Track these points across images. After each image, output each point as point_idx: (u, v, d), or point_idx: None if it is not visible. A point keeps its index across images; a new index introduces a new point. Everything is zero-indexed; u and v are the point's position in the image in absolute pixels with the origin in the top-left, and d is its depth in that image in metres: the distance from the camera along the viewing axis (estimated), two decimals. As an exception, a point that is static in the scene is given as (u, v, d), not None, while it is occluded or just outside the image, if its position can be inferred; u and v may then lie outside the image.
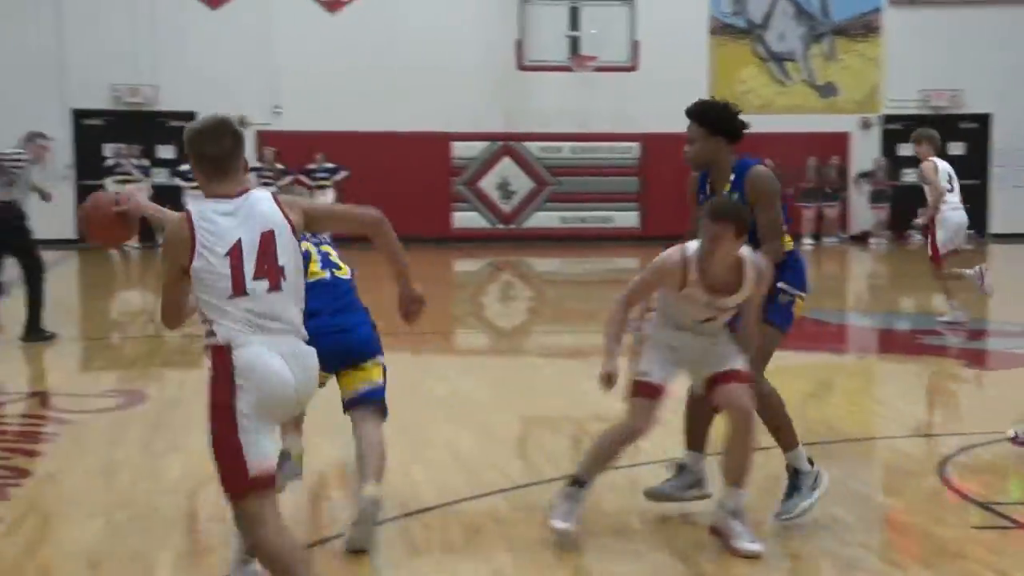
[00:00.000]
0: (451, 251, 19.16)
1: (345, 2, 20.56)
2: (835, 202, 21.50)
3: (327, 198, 19.79)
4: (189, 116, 19.93)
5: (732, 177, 5.01)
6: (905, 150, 18.11)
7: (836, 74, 21.90)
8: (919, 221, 11.62)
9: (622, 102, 20.55)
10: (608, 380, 5.02)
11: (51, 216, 11.66)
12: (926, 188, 10.80)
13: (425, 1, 20.32)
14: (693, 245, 4.76)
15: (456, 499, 5.43)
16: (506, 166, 21.09)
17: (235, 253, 3.58)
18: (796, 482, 5.08)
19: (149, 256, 17.78)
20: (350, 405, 5.25)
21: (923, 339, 10.40)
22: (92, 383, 8.53)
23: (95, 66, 19.28)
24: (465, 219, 20.95)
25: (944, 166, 10.81)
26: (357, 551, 4.70)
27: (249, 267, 3.59)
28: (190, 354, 9.89)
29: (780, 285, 4.98)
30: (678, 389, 5.24)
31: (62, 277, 14.79)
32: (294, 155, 19.77)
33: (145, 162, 19.54)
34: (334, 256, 5.65)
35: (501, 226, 21.12)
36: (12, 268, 10.19)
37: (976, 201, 19.08)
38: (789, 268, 5.05)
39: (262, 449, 3.60)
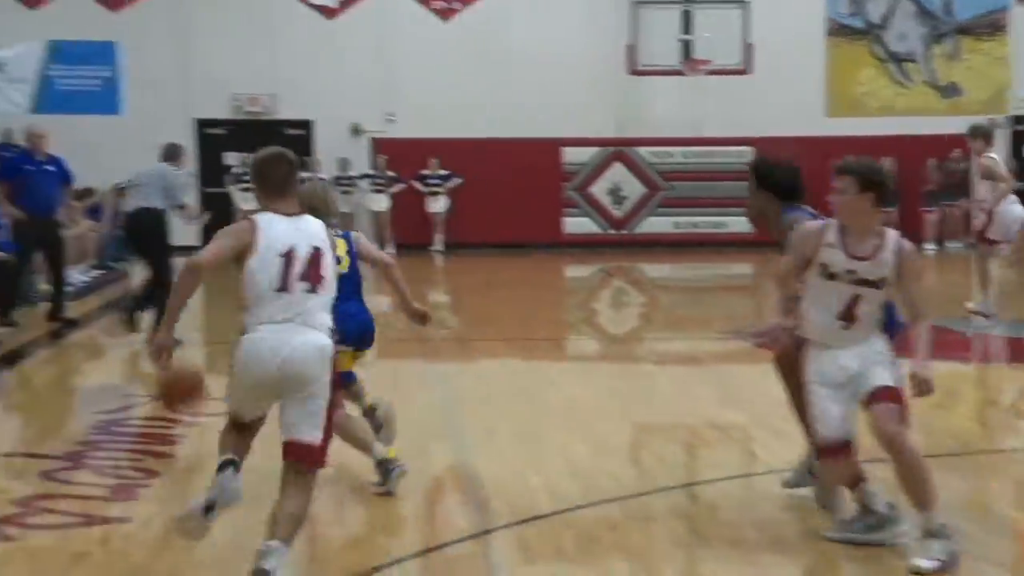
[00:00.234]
0: (562, 257, 19.17)
1: (458, 10, 20.74)
2: (957, 203, 20.87)
3: (440, 205, 20.00)
4: (305, 124, 20.43)
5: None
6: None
7: (960, 74, 21.25)
8: (979, 211, 11.61)
9: (735, 106, 20.31)
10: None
11: (176, 223, 11.99)
12: (987, 183, 10.98)
13: (537, 8, 20.38)
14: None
15: (570, 507, 5.43)
16: (617, 171, 21.01)
17: (289, 256, 4.40)
18: (862, 514, 4.86)
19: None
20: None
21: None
22: (217, 386, 8.74)
23: (217, 77, 19.82)
24: (576, 225, 20.93)
25: (1001, 164, 11.07)
26: None
27: (297, 270, 4.41)
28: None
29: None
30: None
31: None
32: (407, 162, 20.02)
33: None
34: (339, 250, 5.72)
35: (612, 231, 21.04)
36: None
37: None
38: None
39: (240, 407, 4.66)
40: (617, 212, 21.04)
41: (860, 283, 4.62)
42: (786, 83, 20.25)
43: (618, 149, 20.95)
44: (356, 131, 20.43)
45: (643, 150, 21.01)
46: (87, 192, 16.62)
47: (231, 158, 20.30)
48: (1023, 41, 20.98)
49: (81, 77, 20.04)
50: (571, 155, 20.88)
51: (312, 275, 4.44)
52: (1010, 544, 5.12)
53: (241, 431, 4.77)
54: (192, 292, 4.53)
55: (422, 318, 6.08)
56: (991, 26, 21.15)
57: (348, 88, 20.01)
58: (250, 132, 20.15)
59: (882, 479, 4.95)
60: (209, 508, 4.56)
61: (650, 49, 19.92)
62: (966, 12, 21.14)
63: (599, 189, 20.98)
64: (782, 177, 5.30)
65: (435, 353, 10.30)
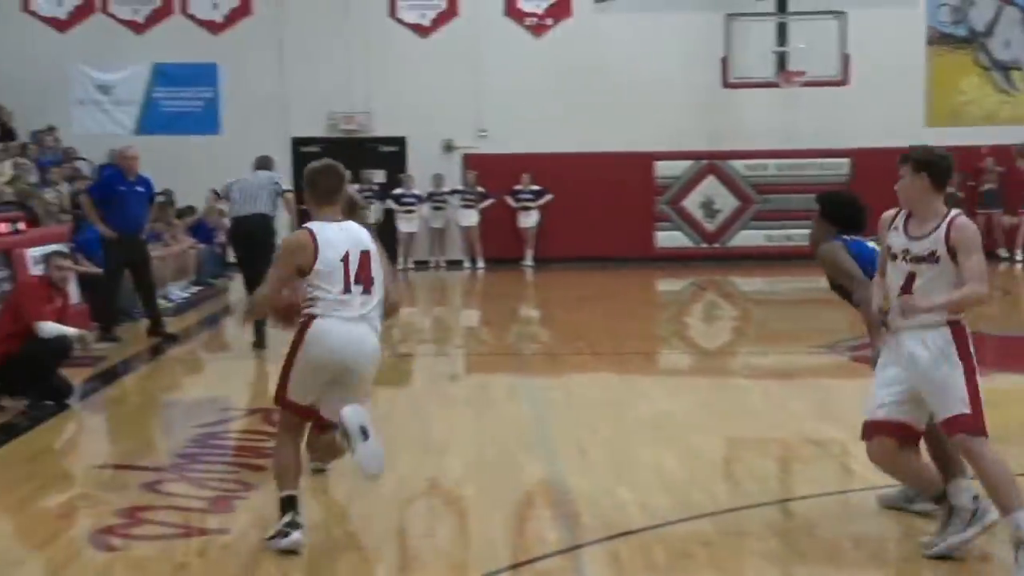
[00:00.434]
0: (654, 270, 19.05)
1: (550, 26, 20.81)
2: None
3: (531, 220, 20.03)
4: (399, 141, 20.67)
5: None
6: None
7: (1067, 82, 20.69)
8: None
9: (831, 117, 20.00)
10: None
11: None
12: None
13: (629, 22, 20.33)
14: None
15: (662, 522, 5.38)
16: (710, 184, 20.83)
17: (346, 259, 5.01)
18: (950, 516, 4.82)
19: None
20: None
21: None
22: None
23: (313, 96, 20.16)
24: (668, 238, 20.78)
25: None
26: None
27: (352, 272, 5.01)
28: (401, 373, 10.20)
29: None
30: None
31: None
32: (498, 177, 20.11)
33: (374, 187, 20.10)
34: None
35: (705, 245, 20.85)
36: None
37: None
38: None
39: (301, 390, 5.10)
40: (709, 225, 20.85)
41: (915, 260, 4.74)
42: (884, 93, 19.89)
43: (711, 162, 20.78)
44: (448, 147, 20.60)
45: (736, 163, 20.81)
46: (188, 210, 17.02)
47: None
48: None
49: (184, 99, 20.62)
50: (663, 169, 20.76)
51: (364, 278, 5.06)
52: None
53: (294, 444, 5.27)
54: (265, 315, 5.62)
55: None
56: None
57: (441, 105, 20.19)
58: (345, 150, 20.41)
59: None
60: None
61: (744, 61, 19.73)
62: (1073, 17, 20.59)
63: (691, 202, 20.82)
64: (842, 208, 5.62)
65: (525, 367, 10.31)
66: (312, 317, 5.02)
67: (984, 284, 4.65)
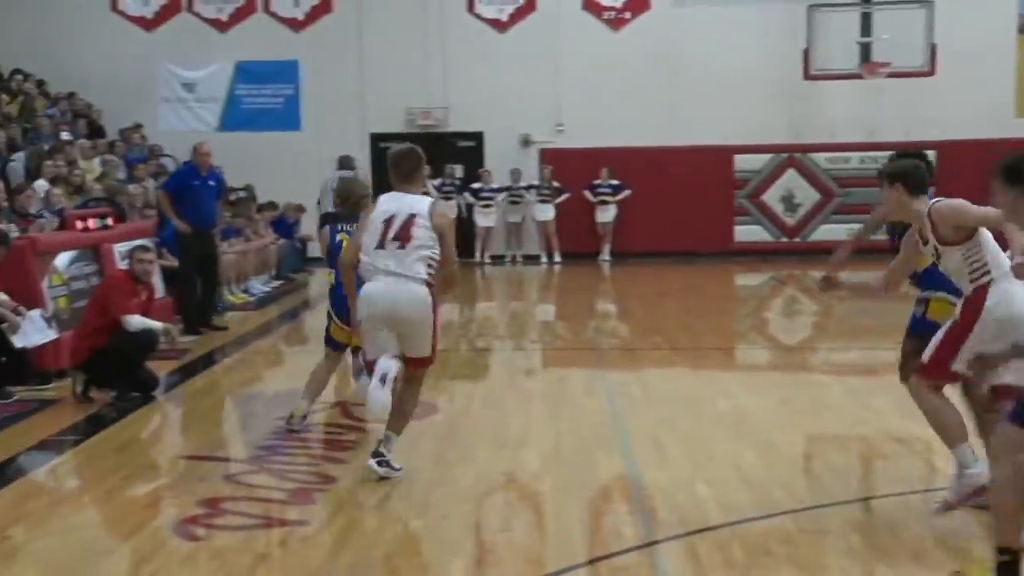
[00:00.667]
0: (732, 265, 18.86)
1: (628, 19, 20.71)
2: None
3: (609, 214, 19.95)
4: (477, 136, 20.73)
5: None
6: None
7: None
8: None
9: (916, 109, 19.61)
10: None
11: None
12: None
13: (708, 14, 20.13)
14: None
15: (741, 518, 5.33)
16: (791, 178, 20.55)
17: (388, 220, 5.93)
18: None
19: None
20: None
21: None
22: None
23: (391, 92, 20.31)
24: (747, 232, 20.56)
25: None
26: None
27: (394, 230, 5.90)
28: (478, 367, 10.24)
29: None
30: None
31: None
32: (575, 172, 20.06)
33: (456, 181, 20.16)
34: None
35: (785, 239, 20.59)
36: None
37: None
38: None
39: (372, 345, 6.04)
40: (789, 219, 20.59)
41: (934, 245, 5.32)
42: (972, 84, 19.45)
43: (791, 155, 20.51)
44: (526, 142, 20.60)
45: (817, 156, 20.51)
46: (270, 205, 17.27)
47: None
48: None
49: (265, 95, 20.92)
50: (743, 162, 20.54)
51: (402, 235, 5.91)
52: None
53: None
54: (354, 282, 6.15)
55: None
56: None
57: (519, 100, 20.20)
58: (423, 145, 20.38)
59: None
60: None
61: (826, 53, 19.43)
62: None
63: (771, 196, 20.57)
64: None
65: (603, 362, 10.28)
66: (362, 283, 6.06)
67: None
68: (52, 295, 9.52)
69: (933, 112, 19.48)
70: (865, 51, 19.37)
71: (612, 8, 20.70)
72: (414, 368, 6.14)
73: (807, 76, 19.56)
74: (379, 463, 6.08)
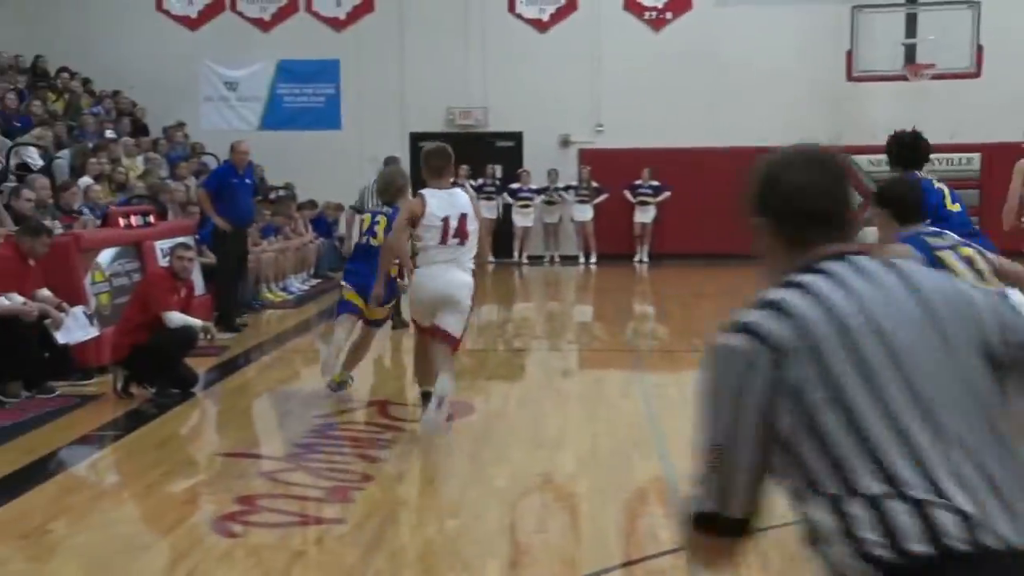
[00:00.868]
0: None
1: (669, 19, 20.63)
2: None
3: (648, 215, 19.89)
4: (516, 136, 20.73)
5: None
6: None
7: None
8: None
9: (961, 111, 19.39)
10: None
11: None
12: None
13: (751, 14, 20.02)
14: None
15: (777, 523, 5.26)
16: (832, 180, 20.41)
17: (446, 219, 6.83)
18: None
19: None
20: (365, 323, 8.41)
21: None
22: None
23: (431, 92, 20.36)
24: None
25: None
26: None
27: (452, 229, 6.83)
28: (514, 367, 10.23)
29: None
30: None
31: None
32: (614, 173, 20.01)
33: (496, 181, 20.13)
34: (379, 227, 8.14)
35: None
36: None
37: None
38: None
39: (418, 314, 7.13)
40: (831, 222, 20.42)
41: None
42: (1019, 85, 19.21)
43: (833, 157, 20.33)
44: (565, 142, 20.58)
45: (860, 158, 20.33)
46: (310, 204, 17.36)
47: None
48: None
49: (306, 95, 21.05)
50: (783, 164, 20.40)
51: (460, 233, 6.87)
52: None
53: (423, 356, 7.29)
54: (392, 261, 7.43)
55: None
56: None
57: (558, 100, 20.18)
58: (462, 145, 20.57)
59: None
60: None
61: (870, 54, 19.25)
62: None
63: (812, 198, 20.41)
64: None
65: (640, 363, 10.24)
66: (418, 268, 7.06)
67: None
68: (94, 292, 9.62)
69: (979, 114, 19.26)
70: (910, 52, 19.18)
71: (653, 8, 20.63)
72: (441, 340, 6.97)
73: (850, 77, 19.40)
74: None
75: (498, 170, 20.18)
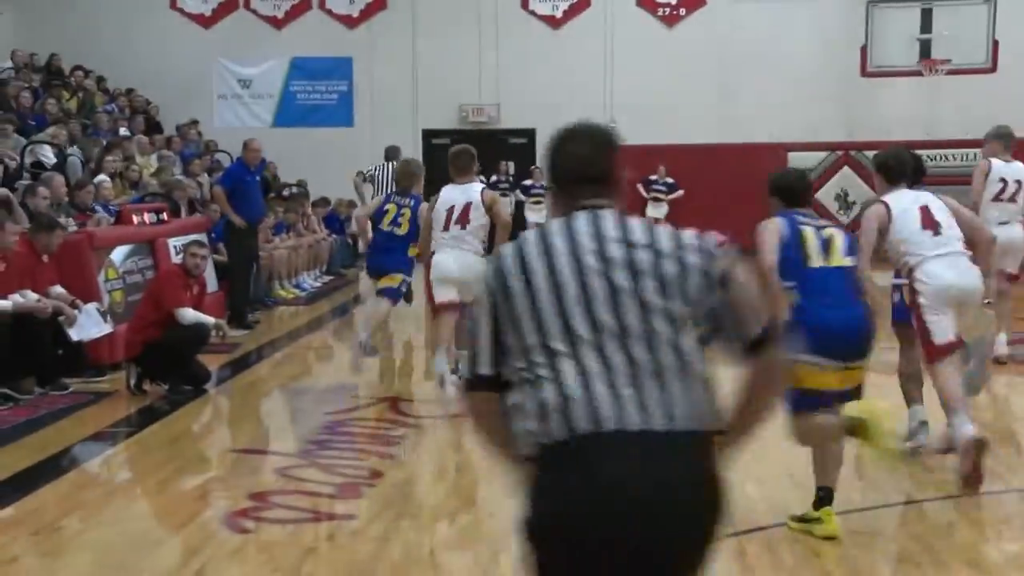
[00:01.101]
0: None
1: (683, 15, 20.59)
2: None
3: (660, 211, 19.86)
4: (529, 133, 20.70)
5: None
6: None
7: None
8: None
9: (976, 106, 19.26)
10: None
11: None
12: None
13: (765, 10, 19.96)
14: None
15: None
16: (845, 176, 20.32)
17: (451, 209, 8.07)
18: None
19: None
20: (378, 293, 9.17)
21: None
22: (434, 389, 8.98)
23: (444, 89, 20.36)
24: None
25: (1002, 169, 9.21)
26: None
27: (455, 216, 8.04)
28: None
29: None
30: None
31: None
32: (627, 169, 19.96)
33: (510, 177, 20.12)
34: (403, 217, 8.90)
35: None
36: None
37: None
38: None
39: (440, 292, 8.23)
40: (843, 217, 20.33)
41: None
42: (1036, 80, 19.14)
43: (846, 153, 20.27)
44: (576, 139, 20.54)
45: (873, 154, 20.26)
46: (322, 201, 17.38)
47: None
48: None
49: (319, 92, 21.07)
50: (796, 160, 20.31)
51: (462, 219, 8.04)
52: None
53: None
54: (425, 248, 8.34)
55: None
56: None
57: (571, 96, 20.13)
58: (475, 142, 20.49)
59: None
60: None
61: (884, 49, 19.18)
62: None
63: (825, 194, 20.35)
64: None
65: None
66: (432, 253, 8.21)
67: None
68: (107, 289, 9.65)
69: (993, 110, 19.09)
70: (925, 48, 19.08)
71: (666, 4, 20.60)
72: (451, 312, 8.10)
73: (864, 73, 19.32)
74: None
75: (511, 167, 20.17)
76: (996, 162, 9.40)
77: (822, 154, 20.27)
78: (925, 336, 5.93)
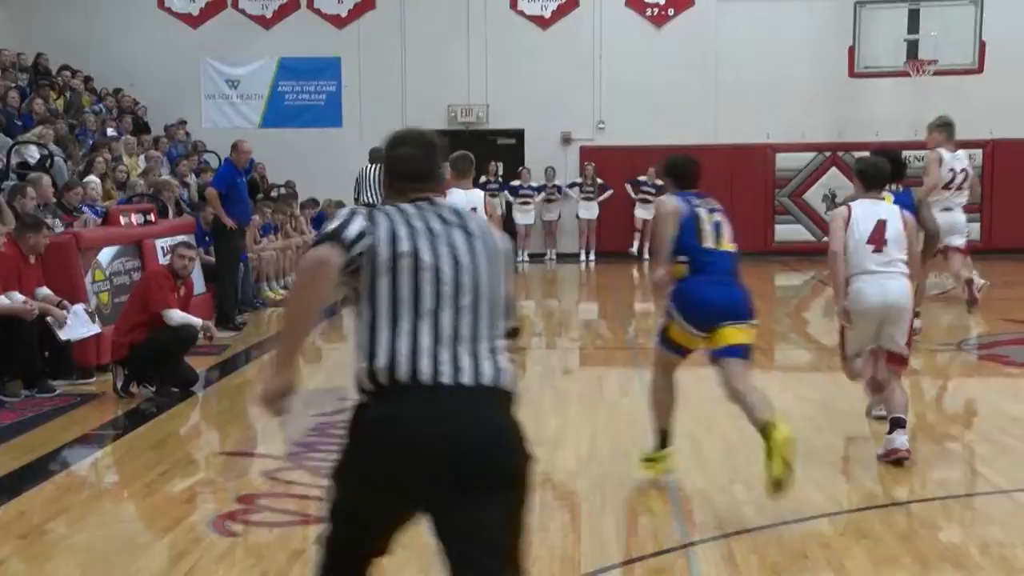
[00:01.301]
0: (772, 265, 18.71)
1: (671, 16, 20.62)
2: None
3: (649, 211, 19.86)
4: (517, 134, 20.71)
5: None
6: None
7: None
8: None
9: (963, 107, 19.31)
10: None
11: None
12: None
13: (753, 10, 20.01)
14: None
15: (779, 521, 5.28)
16: (833, 176, 20.38)
17: (472, 211, 7.80)
18: None
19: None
20: None
21: None
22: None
23: (433, 89, 20.37)
24: (787, 232, 20.42)
25: (951, 160, 9.89)
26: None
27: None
28: (515, 366, 10.22)
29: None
30: None
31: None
32: (615, 170, 20.00)
33: (499, 179, 20.09)
34: None
35: (826, 239, 20.40)
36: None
37: None
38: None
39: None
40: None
41: None
42: (1021, 81, 19.22)
43: (834, 154, 20.32)
44: (566, 140, 20.57)
45: (861, 155, 20.30)
46: (311, 202, 17.35)
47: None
48: None
49: (308, 92, 21.05)
50: (784, 161, 20.41)
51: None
52: None
53: None
54: None
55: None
56: None
57: (560, 97, 20.18)
58: (463, 142, 20.55)
59: None
60: None
61: (872, 50, 19.25)
62: None
63: (813, 195, 20.41)
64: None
65: (640, 361, 10.22)
66: None
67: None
68: (94, 291, 9.62)
69: (981, 110, 19.24)
70: (912, 48, 19.15)
71: (655, 5, 20.63)
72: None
73: (852, 74, 19.38)
74: None
75: (500, 168, 20.17)
76: (945, 153, 9.93)
77: (810, 155, 20.34)
78: (841, 341, 6.77)
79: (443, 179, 3.34)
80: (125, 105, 18.58)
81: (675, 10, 20.57)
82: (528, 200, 19.95)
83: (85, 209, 11.38)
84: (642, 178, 19.87)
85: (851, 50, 19.28)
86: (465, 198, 8.62)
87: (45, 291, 8.74)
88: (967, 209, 11.08)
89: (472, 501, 2.88)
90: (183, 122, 19.27)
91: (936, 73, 18.96)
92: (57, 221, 10.30)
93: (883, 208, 6.52)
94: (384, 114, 20.24)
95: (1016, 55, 18.98)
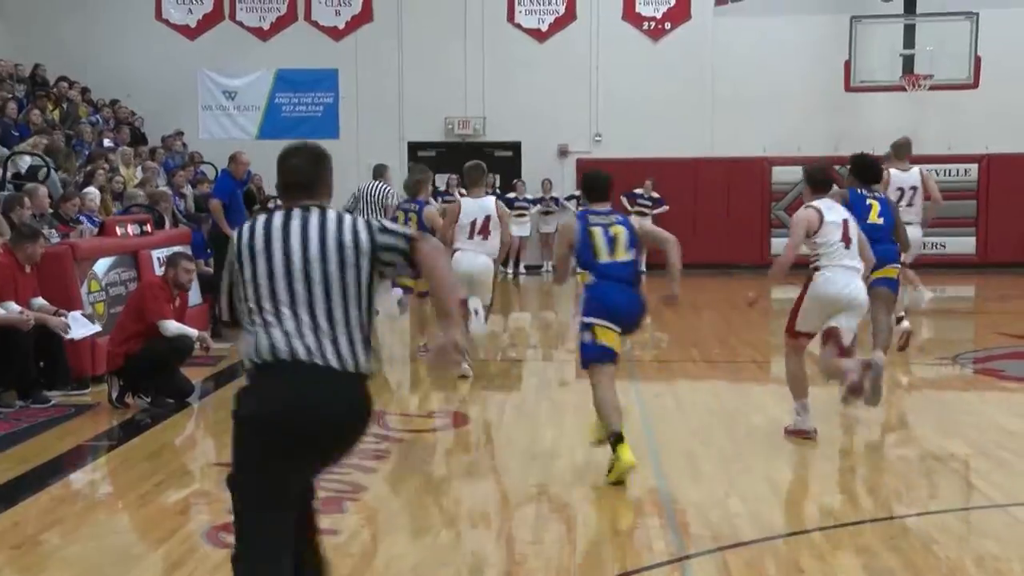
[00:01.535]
0: (767, 278, 18.65)
1: (668, 29, 20.68)
2: None
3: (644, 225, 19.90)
4: (514, 146, 20.74)
5: None
6: None
7: None
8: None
9: (959, 121, 19.44)
10: None
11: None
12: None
13: (750, 25, 20.07)
14: None
15: (774, 534, 5.27)
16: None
17: (474, 221, 9.38)
18: None
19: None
20: (418, 296, 10.14)
21: None
22: (420, 404, 8.99)
23: (429, 101, 20.40)
24: (783, 245, 20.42)
25: (900, 178, 10.28)
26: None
27: (477, 228, 9.37)
28: (510, 377, 10.22)
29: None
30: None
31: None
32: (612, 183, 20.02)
33: (496, 191, 20.02)
34: (411, 222, 9.86)
35: (822, 252, 20.43)
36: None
37: None
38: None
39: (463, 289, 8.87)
40: (829, 232, 20.44)
41: None
42: (1016, 96, 19.29)
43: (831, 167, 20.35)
44: (563, 152, 20.60)
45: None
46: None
47: (440, 180, 20.79)
48: None
49: (305, 104, 21.08)
50: (780, 174, 20.44)
51: (483, 230, 9.38)
52: None
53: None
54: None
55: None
56: None
57: (556, 110, 20.22)
58: (460, 154, 20.60)
59: None
60: None
61: (868, 64, 19.32)
62: None
63: (810, 208, 20.43)
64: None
65: (636, 374, 10.22)
66: (455, 250, 9.25)
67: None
68: (90, 301, 9.61)
69: (976, 124, 19.31)
70: (908, 63, 19.22)
71: (652, 18, 20.69)
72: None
73: (848, 88, 19.44)
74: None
75: (496, 180, 20.19)
76: (894, 172, 10.19)
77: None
78: (792, 316, 7.51)
79: (330, 187, 3.71)
80: (122, 116, 18.59)
81: (672, 24, 20.63)
82: (523, 212, 19.97)
83: (83, 219, 11.37)
84: (638, 191, 19.89)
85: (847, 64, 19.34)
86: (477, 206, 9.37)
87: (41, 301, 8.73)
88: (937, 224, 11.42)
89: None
90: (180, 133, 19.28)
91: (932, 87, 19.03)
92: (53, 231, 10.29)
93: (843, 210, 7.38)
94: (381, 126, 20.30)
95: (1011, 70, 19.05)
